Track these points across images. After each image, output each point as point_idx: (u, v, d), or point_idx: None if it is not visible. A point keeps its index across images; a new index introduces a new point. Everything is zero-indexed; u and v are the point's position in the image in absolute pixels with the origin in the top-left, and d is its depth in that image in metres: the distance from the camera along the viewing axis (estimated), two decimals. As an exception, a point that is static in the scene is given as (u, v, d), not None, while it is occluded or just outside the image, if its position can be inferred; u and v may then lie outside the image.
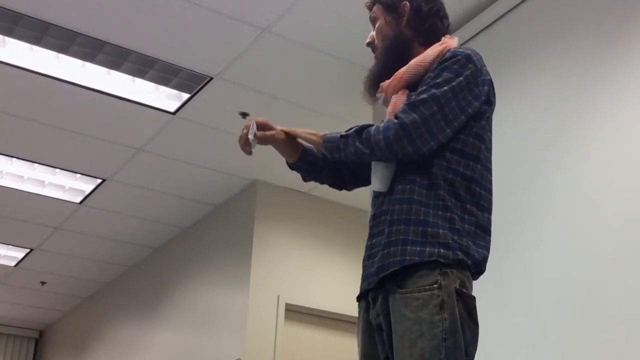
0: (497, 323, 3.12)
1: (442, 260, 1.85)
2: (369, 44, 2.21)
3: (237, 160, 5.43)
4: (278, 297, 5.48)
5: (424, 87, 1.96)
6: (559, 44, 3.38)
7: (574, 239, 3.02)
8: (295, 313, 5.57)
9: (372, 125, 1.98)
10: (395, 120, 1.92)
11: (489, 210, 2.01)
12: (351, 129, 2.03)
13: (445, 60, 1.99)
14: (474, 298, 1.90)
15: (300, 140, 2.20)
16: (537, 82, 3.44)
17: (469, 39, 3.77)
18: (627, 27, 3.09)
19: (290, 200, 5.83)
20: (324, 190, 5.80)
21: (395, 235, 1.90)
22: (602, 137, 3.05)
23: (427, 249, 1.86)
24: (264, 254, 5.58)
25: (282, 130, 2.17)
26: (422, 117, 1.91)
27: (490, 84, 2.04)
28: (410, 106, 1.93)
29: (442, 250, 1.87)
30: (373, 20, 2.21)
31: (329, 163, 2.24)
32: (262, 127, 2.16)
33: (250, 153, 2.16)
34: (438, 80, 1.95)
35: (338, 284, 5.68)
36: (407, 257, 1.87)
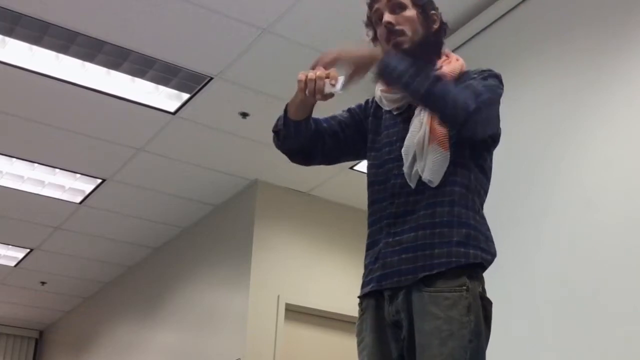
0: (496, 323, 3.11)
1: (485, 264, 1.92)
2: (389, 24, 2.07)
3: (237, 160, 5.43)
4: (278, 297, 5.48)
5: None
6: (559, 44, 3.38)
7: (574, 239, 3.02)
8: (295, 313, 5.56)
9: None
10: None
11: None
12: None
13: (486, 71, 2.04)
14: (492, 303, 1.95)
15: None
16: (536, 82, 3.44)
17: (469, 39, 3.77)
18: (627, 28, 3.09)
19: (291, 200, 5.82)
20: (324, 191, 5.80)
21: (439, 238, 1.92)
22: (602, 137, 3.05)
23: (471, 251, 1.91)
24: (264, 254, 5.58)
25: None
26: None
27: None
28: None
29: (483, 254, 1.92)
30: (398, 5, 2.11)
31: (314, 133, 2.14)
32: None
33: (320, 100, 1.99)
34: (491, 82, 2.01)
35: (338, 284, 5.68)
36: (454, 259, 1.89)
